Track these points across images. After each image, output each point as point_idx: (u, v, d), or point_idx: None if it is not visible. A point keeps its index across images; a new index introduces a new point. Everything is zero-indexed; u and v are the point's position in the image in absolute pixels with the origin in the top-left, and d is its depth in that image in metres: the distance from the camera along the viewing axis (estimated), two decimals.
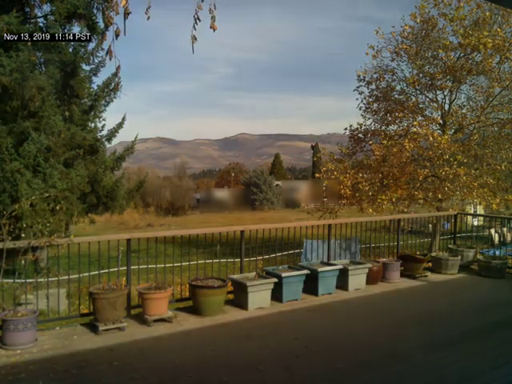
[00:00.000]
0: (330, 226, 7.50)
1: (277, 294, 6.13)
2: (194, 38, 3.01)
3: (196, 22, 2.94)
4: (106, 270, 7.23)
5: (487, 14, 14.63)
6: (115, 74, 16.06)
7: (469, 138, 15.88)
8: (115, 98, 16.05)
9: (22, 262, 4.78)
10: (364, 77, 17.00)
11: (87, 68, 14.93)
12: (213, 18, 2.99)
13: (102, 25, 13.54)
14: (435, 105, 16.68)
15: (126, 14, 2.80)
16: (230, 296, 6.25)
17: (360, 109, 17.55)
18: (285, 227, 7.41)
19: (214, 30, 3.04)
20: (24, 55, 11.83)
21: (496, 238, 16.62)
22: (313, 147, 76.88)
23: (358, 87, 17.25)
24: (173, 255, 6.51)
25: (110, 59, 2.99)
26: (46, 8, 13.77)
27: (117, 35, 2.90)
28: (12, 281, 4.83)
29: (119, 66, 3.23)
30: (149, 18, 2.87)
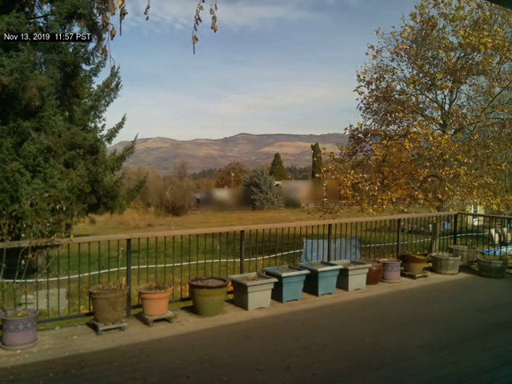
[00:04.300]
0: (330, 225, 7.50)
1: (277, 294, 6.13)
2: (195, 39, 3.01)
3: (197, 23, 2.94)
4: (106, 270, 7.23)
5: (487, 13, 14.61)
6: (114, 74, 16.06)
7: (469, 138, 15.86)
8: (115, 97, 16.05)
9: (23, 262, 4.78)
10: (364, 77, 16.99)
11: (87, 68, 14.94)
12: (214, 18, 3.00)
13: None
14: (435, 105, 16.67)
15: (123, 14, 2.81)
16: (230, 296, 6.25)
17: (360, 109, 17.56)
18: (285, 227, 7.41)
19: (215, 30, 3.05)
20: (24, 55, 11.82)
21: (496, 237, 16.66)
22: (313, 147, 76.80)
23: (358, 87, 17.25)
24: (173, 255, 6.51)
25: (105, 59, 3.03)
26: (46, 8, 13.78)
27: (112, 36, 2.91)
28: (12, 281, 4.83)
29: (114, 66, 3.25)
30: (148, 18, 2.87)
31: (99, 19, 13.53)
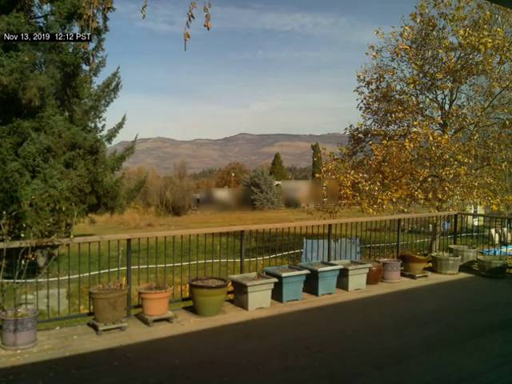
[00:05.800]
0: (330, 225, 7.50)
1: (277, 294, 6.13)
2: (187, 36, 3.01)
3: (190, 20, 2.94)
4: (106, 270, 7.22)
5: (487, 13, 14.61)
6: (114, 74, 16.09)
7: (469, 138, 15.86)
8: (115, 97, 16.07)
9: (23, 262, 4.78)
10: (364, 77, 16.99)
11: (87, 68, 14.95)
12: (207, 16, 2.99)
13: (101, 25, 13.53)
14: (435, 105, 16.66)
15: (107, 7, 2.80)
16: (231, 296, 6.25)
17: (360, 109, 17.55)
18: (285, 227, 7.42)
19: (208, 28, 3.03)
20: (24, 55, 11.82)
21: (496, 237, 16.66)
22: (313, 147, 76.81)
23: (358, 87, 17.24)
24: (173, 255, 6.51)
25: (85, 51, 3.03)
26: (46, 8, 13.79)
27: (94, 28, 2.91)
28: (12, 281, 4.83)
29: (93, 61, 3.27)
30: (144, 16, 2.87)
31: (100, 19, 13.51)
